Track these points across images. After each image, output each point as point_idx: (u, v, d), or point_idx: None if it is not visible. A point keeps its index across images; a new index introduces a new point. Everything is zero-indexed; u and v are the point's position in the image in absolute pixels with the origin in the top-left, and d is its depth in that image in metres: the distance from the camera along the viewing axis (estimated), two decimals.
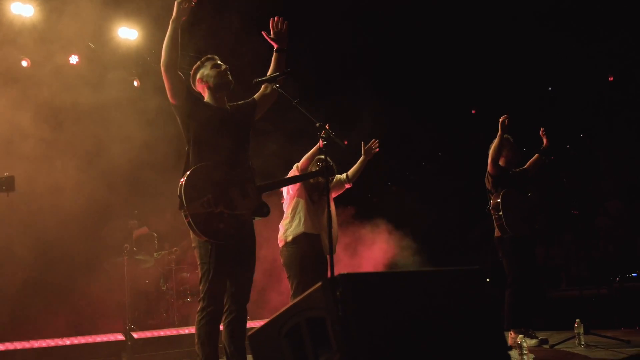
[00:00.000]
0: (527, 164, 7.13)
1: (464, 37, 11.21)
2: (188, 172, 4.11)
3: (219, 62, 4.52)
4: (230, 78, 4.47)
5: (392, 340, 2.58)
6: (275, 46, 4.65)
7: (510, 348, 5.64)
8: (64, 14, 8.55)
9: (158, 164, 8.94)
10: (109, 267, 8.88)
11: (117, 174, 8.86)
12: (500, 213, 6.53)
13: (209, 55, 4.57)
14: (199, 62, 4.52)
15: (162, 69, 4.22)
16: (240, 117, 4.51)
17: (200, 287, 4.18)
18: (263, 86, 4.69)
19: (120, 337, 7.54)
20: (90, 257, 8.85)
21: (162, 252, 9.48)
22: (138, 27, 9.64)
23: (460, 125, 12.74)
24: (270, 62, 4.72)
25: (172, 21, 4.20)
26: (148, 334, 7.76)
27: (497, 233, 6.75)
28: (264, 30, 4.62)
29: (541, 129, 7.13)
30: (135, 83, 9.99)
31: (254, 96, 4.69)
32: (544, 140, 7.09)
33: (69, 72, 9.13)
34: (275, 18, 4.59)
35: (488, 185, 6.80)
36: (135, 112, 9.02)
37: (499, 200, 6.57)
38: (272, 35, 4.61)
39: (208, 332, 4.10)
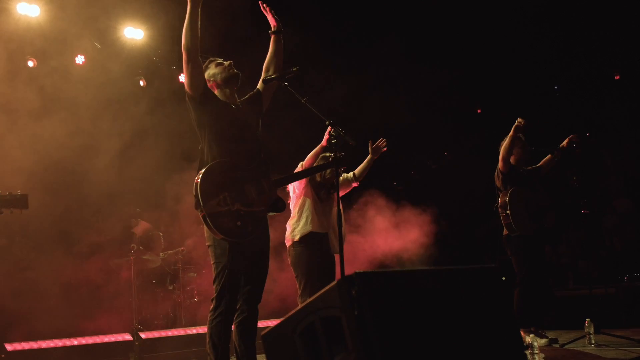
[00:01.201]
0: (541, 162, 7.09)
1: (471, 36, 11.18)
2: (203, 171, 4.07)
3: (221, 60, 4.53)
4: (237, 70, 4.48)
5: (409, 340, 2.56)
6: (273, 25, 4.72)
7: (526, 347, 5.61)
8: (70, 14, 8.56)
9: (163, 162, 8.94)
10: (116, 267, 8.86)
11: (120, 173, 8.85)
12: (508, 211, 6.52)
13: (210, 58, 4.57)
14: (202, 66, 4.48)
15: (184, 52, 4.18)
16: (251, 111, 4.53)
17: (214, 286, 4.14)
18: (264, 74, 4.70)
19: (127, 337, 7.54)
20: (97, 257, 8.84)
21: (169, 251, 9.46)
22: (144, 27, 9.65)
23: (466, 124, 12.72)
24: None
25: (190, 2, 4.12)
26: (155, 334, 7.76)
27: (505, 231, 6.72)
28: (263, 9, 4.73)
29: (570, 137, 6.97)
30: (142, 83, 10.00)
31: (257, 87, 4.70)
32: (564, 143, 6.97)
33: (75, 72, 9.13)
34: (261, 2, 4.69)
35: (498, 183, 6.78)
36: (141, 110, 9.03)
37: (506, 198, 6.55)
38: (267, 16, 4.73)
39: (220, 332, 4.06)
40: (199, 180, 4.02)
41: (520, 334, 2.99)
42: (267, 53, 4.75)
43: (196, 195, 3.98)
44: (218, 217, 3.97)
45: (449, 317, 2.71)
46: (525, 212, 6.57)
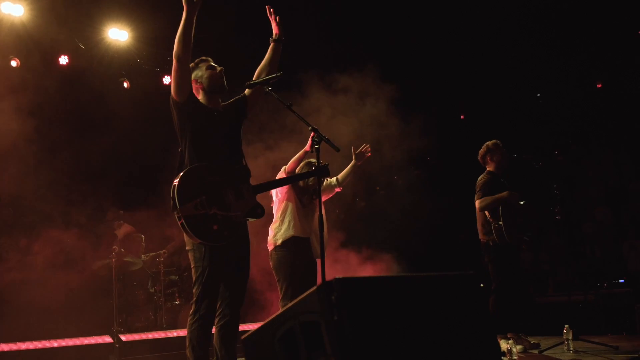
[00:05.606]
0: None
1: (454, 43, 11.25)
2: (182, 173, 4.04)
3: (213, 63, 4.47)
4: (225, 82, 4.43)
5: (387, 345, 2.58)
6: (275, 32, 4.65)
7: (503, 354, 5.65)
8: (54, 14, 8.52)
9: (147, 165, 8.91)
10: (97, 269, 8.81)
11: (105, 175, 8.83)
12: (500, 222, 6.47)
13: (203, 57, 4.50)
14: (192, 64, 4.41)
15: (175, 60, 4.11)
16: (234, 117, 4.48)
17: (194, 290, 4.12)
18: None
19: (107, 339, 7.48)
20: (78, 258, 8.79)
21: (150, 254, 9.42)
22: (128, 28, 9.63)
23: (449, 130, 12.77)
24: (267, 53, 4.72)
25: (186, 10, 4.04)
26: (136, 336, 7.71)
27: (482, 238, 6.74)
28: (269, 14, 4.65)
29: None
30: (125, 84, 9.98)
31: (245, 92, 4.65)
32: None
33: (59, 73, 9.09)
34: (268, 7, 4.63)
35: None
36: (125, 111, 9.00)
37: (499, 209, 6.51)
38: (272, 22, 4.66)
39: (200, 336, 4.05)
40: (176, 183, 3.98)
41: (497, 340, 3.02)
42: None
43: (173, 198, 3.94)
44: (194, 220, 3.93)
45: (427, 323, 2.74)
46: (514, 223, 6.56)
